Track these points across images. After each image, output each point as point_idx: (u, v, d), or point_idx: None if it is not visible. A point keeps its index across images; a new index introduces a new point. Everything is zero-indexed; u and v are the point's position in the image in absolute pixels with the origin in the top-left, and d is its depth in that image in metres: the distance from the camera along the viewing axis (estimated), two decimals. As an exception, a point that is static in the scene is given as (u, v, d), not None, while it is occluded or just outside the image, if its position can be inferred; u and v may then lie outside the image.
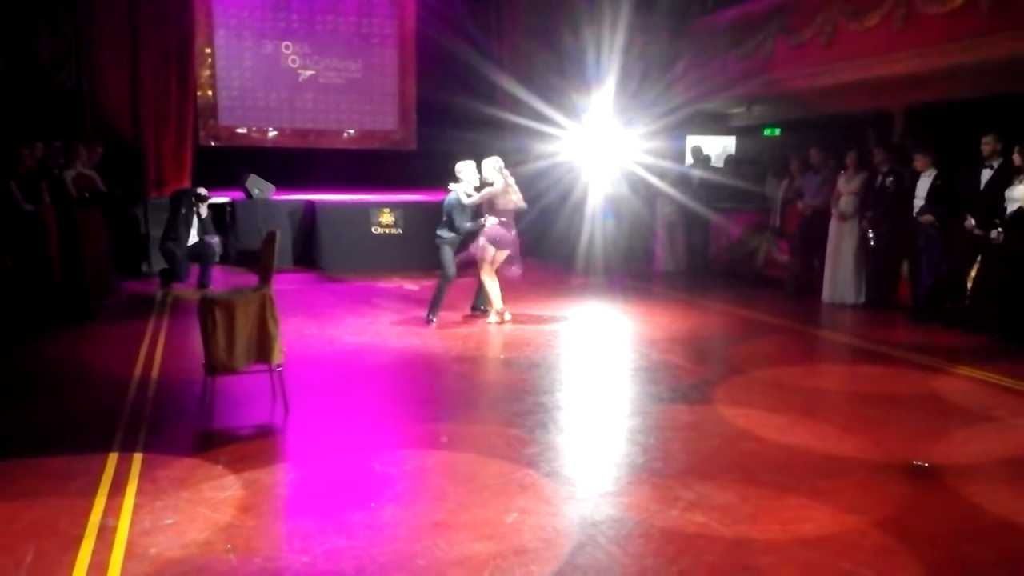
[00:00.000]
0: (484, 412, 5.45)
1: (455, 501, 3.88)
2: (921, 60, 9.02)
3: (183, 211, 9.70)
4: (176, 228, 9.65)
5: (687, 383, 5.99)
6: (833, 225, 9.17)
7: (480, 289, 8.16)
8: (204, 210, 9.83)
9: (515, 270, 8.06)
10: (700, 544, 3.46)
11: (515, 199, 7.87)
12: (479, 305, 8.28)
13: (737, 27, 11.55)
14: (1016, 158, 7.09)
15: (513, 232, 7.91)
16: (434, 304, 7.99)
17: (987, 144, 7.48)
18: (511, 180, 7.87)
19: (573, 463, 4.46)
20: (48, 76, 10.89)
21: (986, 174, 7.50)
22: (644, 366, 6.51)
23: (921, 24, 8.94)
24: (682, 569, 3.26)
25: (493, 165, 7.80)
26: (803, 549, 3.44)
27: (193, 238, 9.70)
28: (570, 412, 5.36)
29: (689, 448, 4.66)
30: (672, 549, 3.42)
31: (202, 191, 10.00)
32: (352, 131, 14.77)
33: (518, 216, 8.05)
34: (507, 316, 8.02)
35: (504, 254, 7.90)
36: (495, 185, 7.74)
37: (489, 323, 7.96)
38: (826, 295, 9.29)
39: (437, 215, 11.79)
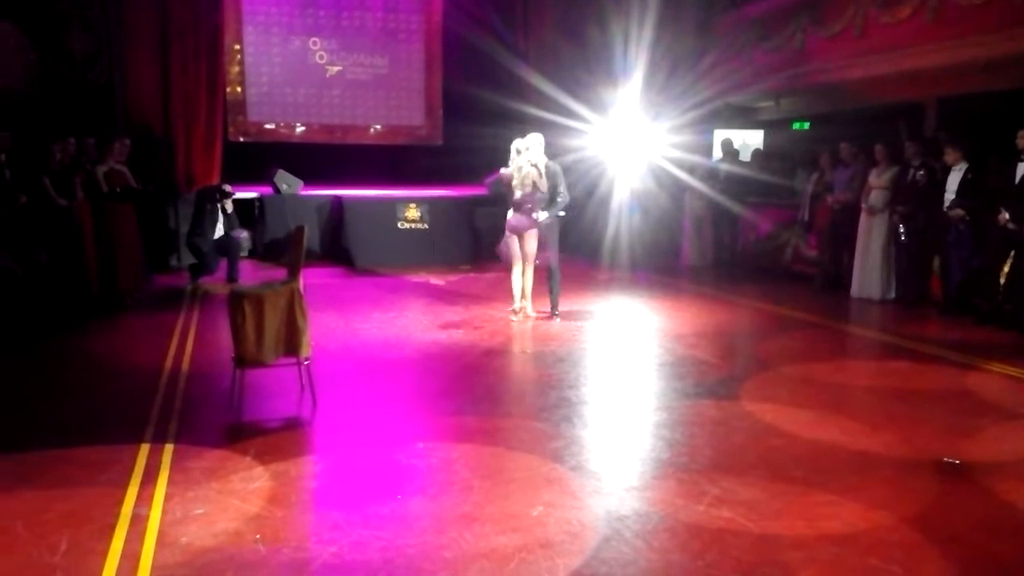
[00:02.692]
0: (510, 406, 5.47)
1: (481, 494, 3.90)
2: (954, 52, 8.88)
3: (208, 207, 9.81)
4: (201, 224, 9.77)
5: (713, 378, 5.96)
6: (863, 219, 9.07)
7: (549, 286, 7.97)
8: (229, 206, 9.94)
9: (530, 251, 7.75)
10: (726, 539, 3.45)
11: (515, 184, 7.56)
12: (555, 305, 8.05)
13: (766, 20, 11.44)
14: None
15: (528, 218, 7.59)
16: (549, 297, 7.98)
17: (1022, 137, 7.35)
18: (524, 165, 7.51)
19: (599, 457, 4.46)
20: (81, 73, 11.07)
21: (1021, 168, 7.37)
22: (670, 361, 6.49)
23: (954, 15, 8.80)
24: (708, 564, 3.25)
25: (514, 144, 7.62)
26: (830, 545, 3.42)
27: (219, 232, 9.81)
28: (596, 406, 5.36)
29: (715, 443, 4.64)
30: (698, 544, 3.41)
31: (226, 187, 10.12)
32: (379, 126, 14.84)
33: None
34: (517, 317, 7.86)
35: (530, 241, 7.64)
36: (510, 166, 7.60)
37: (513, 320, 7.90)
38: (855, 290, 9.19)
39: (463, 210, 11.96)
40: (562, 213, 7.80)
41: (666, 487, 4.01)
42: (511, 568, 3.21)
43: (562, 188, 7.65)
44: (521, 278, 7.85)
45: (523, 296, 7.92)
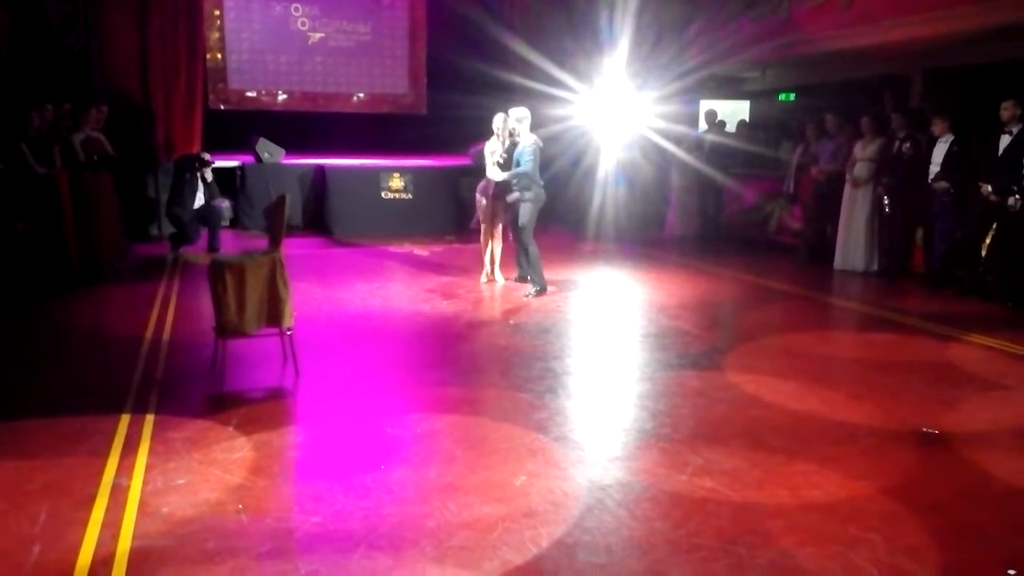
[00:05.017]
0: (494, 377, 5.46)
1: (464, 464, 3.91)
2: (941, 23, 8.84)
3: (187, 176, 9.70)
4: (181, 193, 9.66)
5: (696, 349, 5.98)
6: (847, 191, 9.08)
7: (517, 256, 8.18)
8: (208, 174, 9.83)
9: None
10: (708, 508, 3.47)
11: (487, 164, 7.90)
12: (523, 274, 8.16)
13: (753, -11, 11.34)
14: (1035, 124, 6.99)
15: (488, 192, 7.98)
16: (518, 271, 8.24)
17: (1006, 109, 7.35)
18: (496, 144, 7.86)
19: (582, 428, 4.47)
20: (57, 38, 10.81)
21: (1004, 140, 7.38)
22: (654, 332, 6.50)
23: (941, -14, 8.75)
24: (690, 532, 3.27)
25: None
26: (811, 514, 3.45)
27: (199, 202, 9.70)
28: (579, 377, 5.37)
29: (698, 414, 4.66)
30: (680, 513, 3.44)
31: (205, 156, 10.00)
32: (362, 95, 14.67)
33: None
34: (484, 279, 8.26)
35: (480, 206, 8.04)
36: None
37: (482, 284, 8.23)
38: (838, 262, 9.23)
39: (447, 180, 11.88)
40: (502, 177, 7.73)
41: (649, 457, 4.03)
42: (494, 537, 3.21)
43: (522, 162, 7.60)
44: (490, 243, 8.20)
45: (491, 261, 8.27)
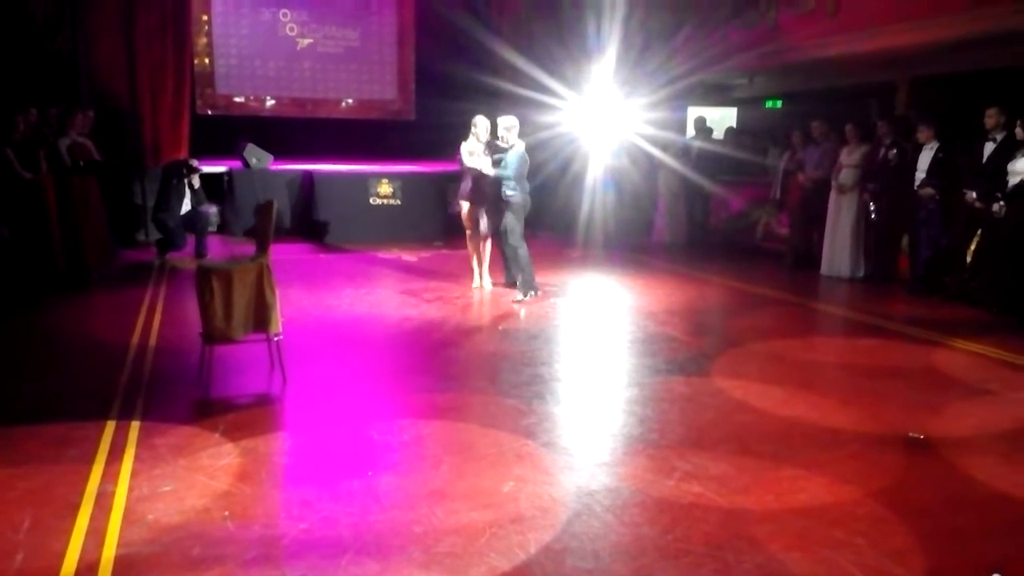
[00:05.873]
0: (482, 383, 5.45)
1: (452, 470, 3.90)
2: (926, 31, 8.93)
3: (174, 182, 9.65)
4: (167, 199, 9.61)
5: (684, 355, 6.00)
6: (832, 198, 9.14)
7: (505, 261, 8.21)
8: (196, 181, 9.79)
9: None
10: (695, 514, 3.48)
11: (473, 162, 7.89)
12: (510, 279, 8.16)
13: (740, -4, 11.42)
14: (1019, 131, 7.06)
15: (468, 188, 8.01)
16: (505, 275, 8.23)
17: (991, 117, 7.43)
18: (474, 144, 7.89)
19: (570, 434, 4.47)
20: (43, 41, 10.75)
21: (989, 147, 7.46)
22: (641, 338, 6.51)
23: (925, -6, 8.83)
24: (677, 538, 3.28)
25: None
26: (798, 519, 3.46)
27: (186, 207, 9.66)
28: (567, 383, 5.37)
29: (685, 420, 4.67)
30: (667, 518, 3.44)
31: (192, 162, 9.96)
32: (350, 101, 14.66)
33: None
34: (475, 284, 8.26)
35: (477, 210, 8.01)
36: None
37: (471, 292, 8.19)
38: (825, 268, 9.28)
39: (435, 186, 11.87)
40: (493, 172, 7.73)
41: (637, 463, 4.03)
42: (482, 543, 3.21)
43: (510, 165, 7.62)
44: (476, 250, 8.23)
45: (479, 265, 8.26)
